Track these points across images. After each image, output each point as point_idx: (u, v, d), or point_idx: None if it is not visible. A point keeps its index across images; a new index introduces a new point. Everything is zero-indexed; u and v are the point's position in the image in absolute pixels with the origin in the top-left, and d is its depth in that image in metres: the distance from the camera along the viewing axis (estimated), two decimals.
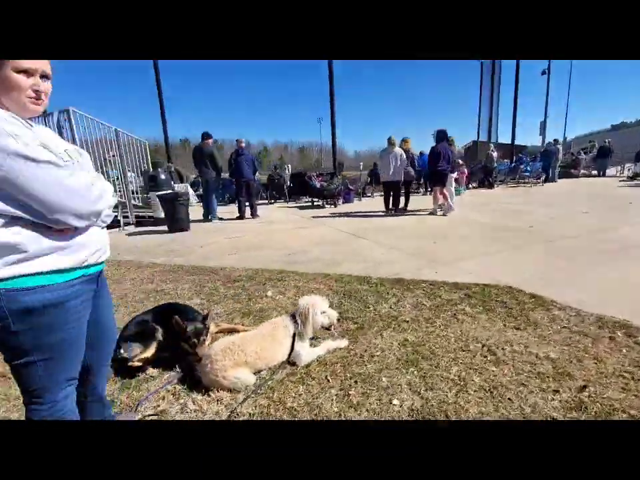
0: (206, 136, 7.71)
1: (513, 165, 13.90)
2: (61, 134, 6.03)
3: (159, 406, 1.76)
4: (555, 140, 14.15)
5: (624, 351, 2.02)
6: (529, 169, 12.94)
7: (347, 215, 8.00)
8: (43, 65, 1.09)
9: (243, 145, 7.88)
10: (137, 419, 1.65)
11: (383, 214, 7.48)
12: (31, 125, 1.09)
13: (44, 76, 1.10)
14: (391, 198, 7.64)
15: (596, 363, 1.92)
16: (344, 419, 1.62)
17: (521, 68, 15.92)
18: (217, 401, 1.76)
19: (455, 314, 2.57)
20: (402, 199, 7.94)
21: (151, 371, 2.06)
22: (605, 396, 1.66)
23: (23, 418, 1.26)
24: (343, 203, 10.02)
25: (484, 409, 1.62)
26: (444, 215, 7.00)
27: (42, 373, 1.12)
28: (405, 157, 7.37)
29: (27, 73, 1.05)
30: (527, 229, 5.38)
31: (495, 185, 12.71)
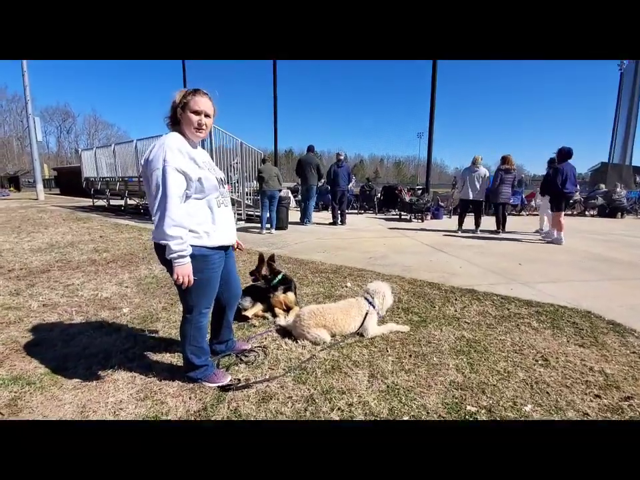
0: (311, 148, 8.80)
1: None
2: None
3: (262, 342, 2.46)
4: None
5: None
6: None
7: (432, 230, 8.09)
8: (207, 108, 1.67)
9: (342, 157, 8.71)
10: (248, 347, 2.36)
11: (472, 232, 7.36)
12: (195, 147, 1.74)
13: (207, 115, 1.70)
14: (473, 216, 7.51)
15: None
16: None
17: None
18: (302, 347, 2.38)
19: (518, 324, 2.74)
20: (483, 219, 7.70)
21: (254, 321, 2.80)
22: None
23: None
24: (432, 218, 10.04)
25: (520, 395, 1.87)
26: (551, 242, 6.45)
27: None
28: (488, 176, 7.28)
29: (196, 113, 1.65)
30: (638, 264, 4.83)
31: (621, 216, 10.98)
